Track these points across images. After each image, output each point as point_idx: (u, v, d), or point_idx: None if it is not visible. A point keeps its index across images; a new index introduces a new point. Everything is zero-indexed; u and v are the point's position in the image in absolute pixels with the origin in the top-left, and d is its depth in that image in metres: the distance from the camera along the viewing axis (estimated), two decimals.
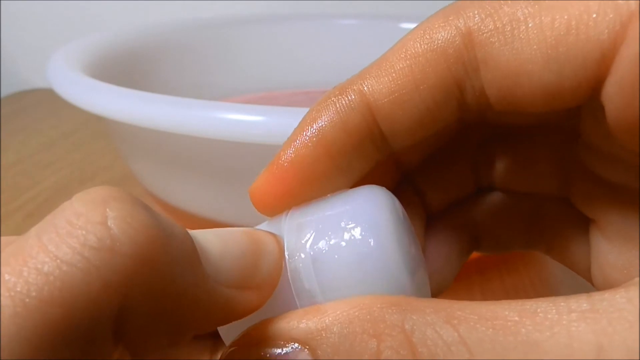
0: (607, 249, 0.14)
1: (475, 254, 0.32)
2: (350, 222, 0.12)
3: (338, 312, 0.10)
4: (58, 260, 0.08)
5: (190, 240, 0.10)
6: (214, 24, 0.48)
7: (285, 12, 0.56)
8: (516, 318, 0.09)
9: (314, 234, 0.12)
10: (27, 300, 0.08)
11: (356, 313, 0.10)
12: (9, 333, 0.08)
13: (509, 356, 0.09)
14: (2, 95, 0.66)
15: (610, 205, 0.14)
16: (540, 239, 0.16)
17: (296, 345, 0.10)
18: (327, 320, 0.10)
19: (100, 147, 0.50)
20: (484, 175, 0.16)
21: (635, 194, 0.13)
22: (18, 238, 0.09)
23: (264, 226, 0.13)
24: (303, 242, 0.12)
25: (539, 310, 0.09)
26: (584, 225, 0.15)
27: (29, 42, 0.68)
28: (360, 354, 0.10)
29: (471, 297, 0.30)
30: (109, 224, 0.09)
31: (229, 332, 0.12)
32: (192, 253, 0.10)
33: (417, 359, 0.09)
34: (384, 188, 0.13)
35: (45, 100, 0.60)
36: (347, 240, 0.11)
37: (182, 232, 0.10)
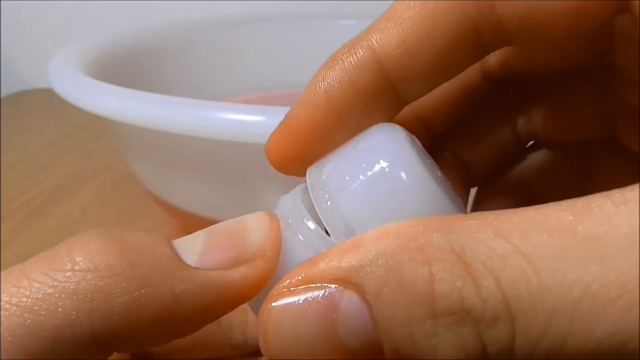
0: None
1: None
2: (373, 157, 0.11)
3: (380, 245, 0.10)
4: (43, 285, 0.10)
5: (163, 244, 0.11)
6: (214, 24, 0.48)
7: (285, 12, 0.56)
8: (570, 217, 0.09)
9: (338, 175, 0.12)
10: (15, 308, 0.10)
11: (400, 242, 0.09)
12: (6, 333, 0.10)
13: (569, 257, 0.08)
14: (2, 95, 0.66)
15: None
16: (593, 187, 0.15)
17: (335, 286, 0.10)
18: (370, 255, 0.10)
19: (100, 147, 0.50)
20: (524, 133, 0.15)
21: None
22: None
23: (284, 198, 0.13)
24: (328, 187, 0.12)
25: (592, 205, 0.09)
26: (635, 164, 0.14)
27: (29, 42, 0.68)
28: (412, 282, 0.09)
29: None
30: (76, 267, 0.11)
31: (256, 306, 0.12)
32: (163, 255, 0.11)
33: (473, 276, 0.09)
34: (393, 123, 0.12)
35: (45, 100, 0.60)
36: (374, 175, 0.11)
37: (151, 242, 0.11)
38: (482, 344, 0.09)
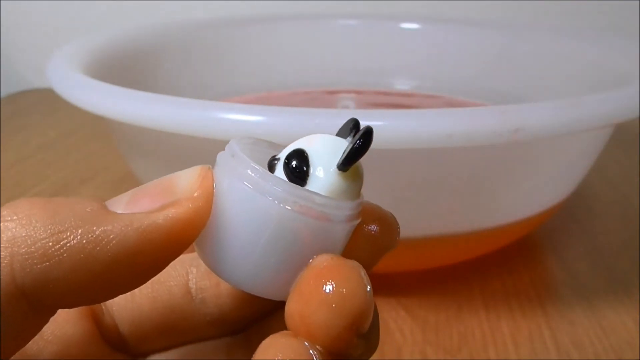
0: None
1: (475, 254, 0.32)
2: None
3: None
4: None
5: (92, 200, 0.11)
6: (214, 24, 0.48)
7: (284, 12, 0.56)
8: None
9: None
10: None
11: None
12: None
13: None
14: (2, 95, 0.66)
15: None
16: None
17: None
18: None
19: (100, 147, 0.49)
20: None
21: None
22: None
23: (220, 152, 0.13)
24: None
25: None
26: None
27: (29, 42, 0.68)
28: None
29: (471, 297, 0.30)
30: (1, 219, 0.11)
31: (202, 249, 0.12)
32: (88, 205, 0.11)
33: None
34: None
35: (45, 100, 0.60)
36: None
37: (78, 198, 0.11)
38: None
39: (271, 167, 0.12)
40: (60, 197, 0.11)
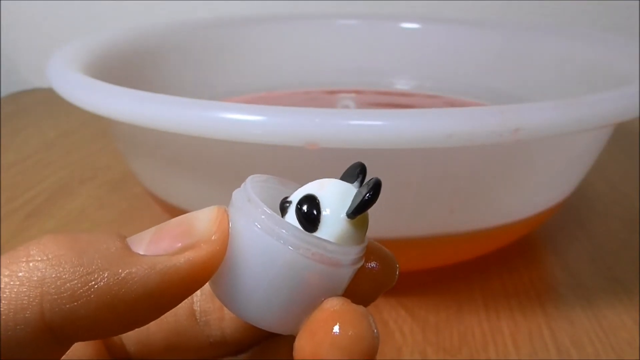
0: None
1: (475, 254, 0.32)
2: None
3: None
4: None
5: (114, 238, 0.12)
6: (214, 24, 0.48)
7: (285, 12, 0.56)
8: None
9: None
10: None
11: None
12: None
13: None
14: (2, 95, 0.66)
15: None
16: None
17: None
18: None
19: (100, 147, 0.50)
20: None
21: None
22: None
23: (235, 191, 0.14)
24: None
25: None
26: None
27: (29, 42, 0.68)
28: None
29: (471, 297, 0.30)
30: (29, 258, 0.12)
31: (217, 285, 0.13)
32: (112, 245, 0.12)
33: None
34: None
35: (45, 100, 0.60)
36: None
37: (102, 236, 0.12)
38: None
39: (283, 210, 0.13)
40: (85, 234, 0.12)
